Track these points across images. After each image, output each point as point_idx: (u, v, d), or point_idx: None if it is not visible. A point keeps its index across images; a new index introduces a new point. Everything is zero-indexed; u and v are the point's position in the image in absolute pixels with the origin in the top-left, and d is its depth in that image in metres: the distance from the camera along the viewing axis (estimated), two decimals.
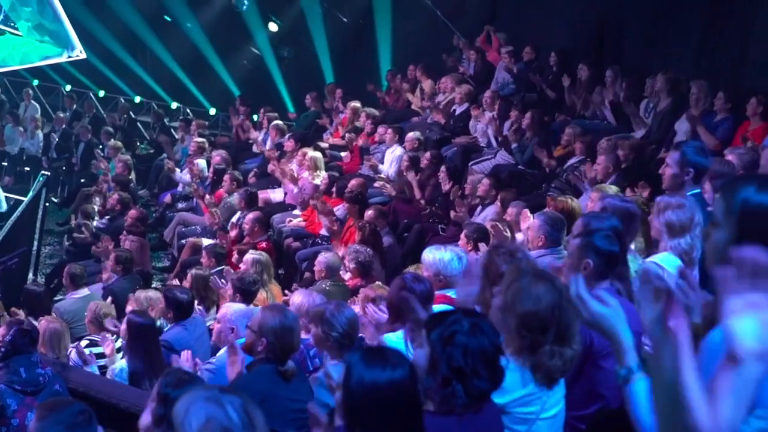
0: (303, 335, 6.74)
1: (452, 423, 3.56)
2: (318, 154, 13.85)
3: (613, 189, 8.11)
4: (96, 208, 14.17)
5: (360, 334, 6.14)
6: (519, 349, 3.89)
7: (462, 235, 8.69)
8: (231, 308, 7.31)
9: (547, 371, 3.86)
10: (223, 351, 6.80)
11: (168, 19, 21.00)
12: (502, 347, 3.70)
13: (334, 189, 12.86)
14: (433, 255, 6.35)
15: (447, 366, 3.54)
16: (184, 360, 6.51)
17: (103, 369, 7.90)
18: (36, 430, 4.31)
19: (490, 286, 4.76)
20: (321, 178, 13.29)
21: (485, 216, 10.54)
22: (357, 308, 7.01)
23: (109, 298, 9.67)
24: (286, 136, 15.46)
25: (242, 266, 9.68)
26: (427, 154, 12.79)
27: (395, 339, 5.57)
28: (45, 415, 4.33)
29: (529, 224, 7.54)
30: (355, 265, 9.37)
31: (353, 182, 12.60)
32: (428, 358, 3.60)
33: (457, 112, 14.74)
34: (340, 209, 12.11)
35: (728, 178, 3.94)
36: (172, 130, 19.15)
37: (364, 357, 3.39)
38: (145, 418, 4.69)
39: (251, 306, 7.97)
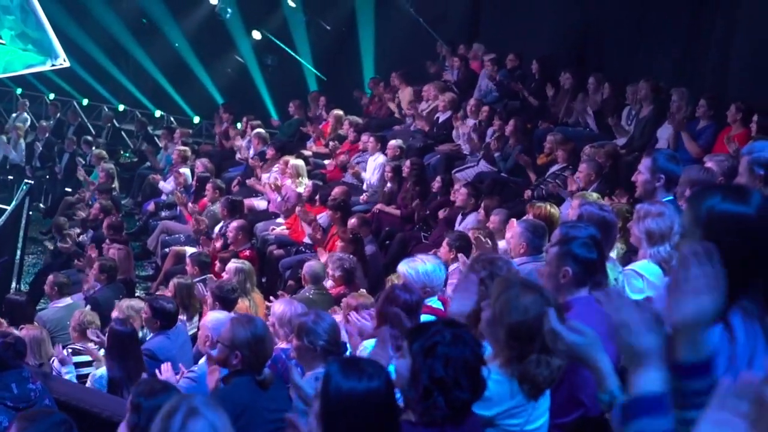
0: (284, 345, 6.77)
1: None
2: (300, 162, 13.86)
3: (594, 196, 8.13)
4: (75, 218, 14.14)
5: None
6: (508, 361, 3.88)
7: (444, 244, 8.70)
8: (211, 316, 7.31)
9: (534, 381, 3.84)
10: (204, 359, 6.80)
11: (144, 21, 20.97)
12: (483, 357, 3.71)
13: (317, 197, 12.87)
14: (414, 269, 6.31)
15: (428, 377, 3.54)
16: (164, 372, 6.51)
17: (83, 379, 7.90)
18: None
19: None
20: (304, 185, 13.30)
21: (466, 225, 10.55)
22: (339, 317, 7.03)
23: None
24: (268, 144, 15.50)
25: (225, 275, 9.67)
26: (407, 162, 12.81)
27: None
28: (26, 427, 4.30)
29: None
30: (340, 273, 9.38)
31: (336, 190, 12.62)
32: (410, 369, 3.60)
33: (441, 120, 14.77)
34: (323, 217, 12.13)
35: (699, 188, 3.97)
36: (156, 139, 19.10)
37: (341, 367, 3.40)
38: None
39: (232, 314, 7.94)
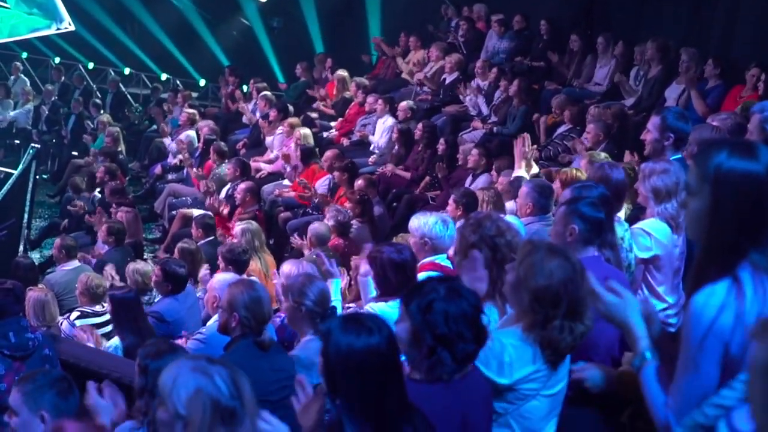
0: None
1: (439, 390, 3.57)
2: (306, 131, 13.79)
3: (601, 156, 8.10)
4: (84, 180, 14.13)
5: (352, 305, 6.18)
6: (531, 325, 3.84)
7: (450, 201, 8.70)
8: (218, 277, 7.31)
9: (556, 347, 3.81)
10: (212, 321, 6.81)
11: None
12: (481, 306, 3.70)
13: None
14: (418, 220, 6.35)
15: (431, 335, 3.53)
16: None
17: None
18: (25, 396, 4.27)
19: (461, 259, 4.74)
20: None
21: (476, 185, 10.56)
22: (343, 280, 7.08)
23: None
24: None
25: (233, 239, 9.69)
26: (419, 126, 12.77)
27: (388, 309, 5.59)
28: (29, 385, 4.30)
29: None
30: (333, 223, 9.53)
31: (328, 153, 12.59)
32: (409, 331, 3.59)
33: (447, 81, 14.70)
34: (327, 180, 12.17)
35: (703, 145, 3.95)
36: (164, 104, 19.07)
37: (341, 323, 3.39)
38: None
39: (242, 276, 7.94)
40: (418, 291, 3.66)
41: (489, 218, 4.77)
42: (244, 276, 7.98)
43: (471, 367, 3.72)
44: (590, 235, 4.81)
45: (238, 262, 8.31)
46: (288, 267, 7.09)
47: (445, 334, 3.53)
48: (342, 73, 16.06)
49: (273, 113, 14.83)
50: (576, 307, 3.77)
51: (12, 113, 19.21)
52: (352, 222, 10.00)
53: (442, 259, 6.18)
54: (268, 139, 14.64)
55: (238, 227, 9.61)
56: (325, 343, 3.35)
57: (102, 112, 17.96)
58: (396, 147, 13.02)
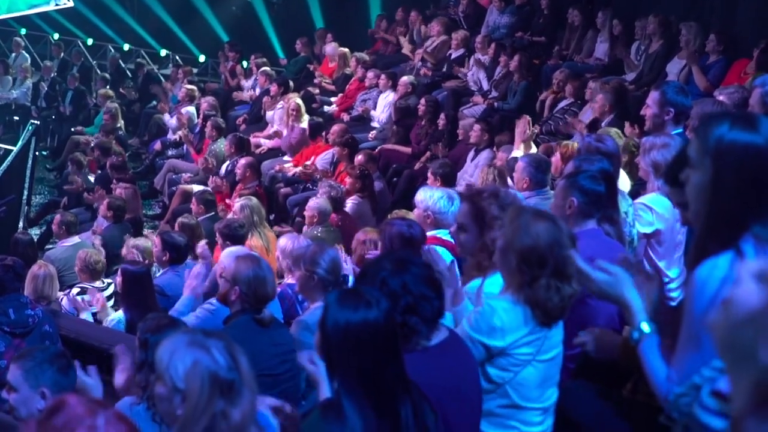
0: (290, 279, 6.80)
1: (420, 357, 3.58)
2: (299, 101, 13.75)
3: (612, 131, 8.04)
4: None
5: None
6: (519, 287, 3.86)
7: (429, 173, 8.71)
8: (229, 250, 7.30)
9: (545, 307, 3.82)
10: None
11: None
12: (431, 264, 3.80)
13: (324, 134, 12.82)
14: (425, 193, 6.43)
15: (399, 312, 3.53)
16: None
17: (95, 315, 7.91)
18: (26, 373, 4.27)
19: (483, 233, 4.72)
20: (305, 124, 13.24)
21: (478, 161, 10.54)
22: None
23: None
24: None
25: (231, 214, 9.68)
26: (422, 101, 12.72)
27: None
28: (29, 362, 4.29)
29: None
30: (326, 198, 9.49)
31: (335, 128, 12.56)
32: None
33: (453, 57, 14.64)
34: (329, 154, 12.13)
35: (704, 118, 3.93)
36: (162, 78, 19.00)
37: (339, 298, 3.36)
38: (119, 378, 4.70)
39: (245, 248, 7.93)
40: (368, 278, 3.70)
41: (503, 190, 4.82)
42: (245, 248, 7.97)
43: (451, 336, 3.75)
44: (589, 208, 4.82)
45: (235, 236, 8.27)
46: (284, 241, 7.10)
47: (409, 304, 3.57)
48: (342, 48, 16.00)
49: (274, 88, 14.78)
50: (563, 269, 3.77)
51: (13, 93, 19.13)
52: (352, 197, 10.00)
53: (444, 234, 6.18)
54: (269, 114, 14.60)
55: (237, 203, 9.59)
56: (323, 318, 3.32)
57: (108, 87, 17.89)
58: (394, 127, 13.00)
